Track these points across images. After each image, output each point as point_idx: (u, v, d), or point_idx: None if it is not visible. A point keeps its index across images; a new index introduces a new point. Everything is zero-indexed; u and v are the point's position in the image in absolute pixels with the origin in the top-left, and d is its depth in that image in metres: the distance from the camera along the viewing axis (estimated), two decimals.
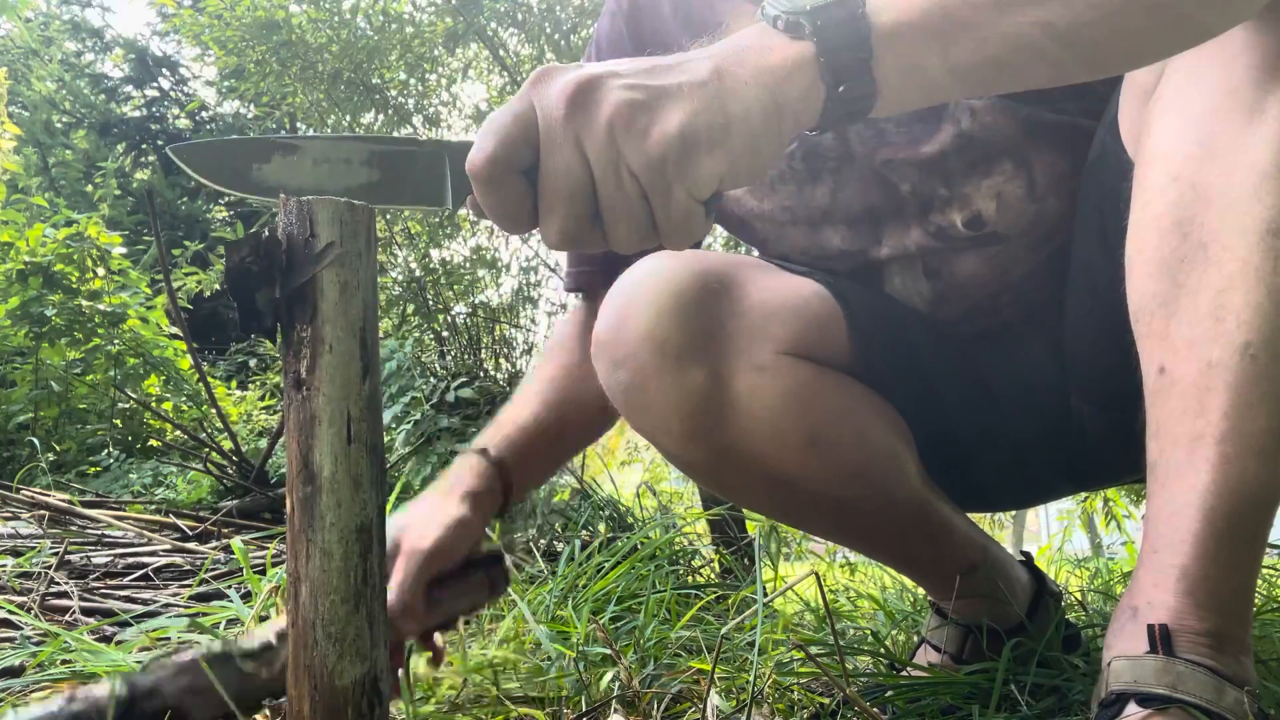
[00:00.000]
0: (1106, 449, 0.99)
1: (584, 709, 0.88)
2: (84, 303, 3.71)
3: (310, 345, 0.55)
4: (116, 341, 3.78)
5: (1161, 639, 0.67)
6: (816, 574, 0.86)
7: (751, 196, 1.08)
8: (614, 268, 1.10)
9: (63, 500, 2.28)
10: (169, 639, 1.08)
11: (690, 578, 1.88)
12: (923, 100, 0.62)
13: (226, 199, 8.65)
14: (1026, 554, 1.19)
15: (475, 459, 1.02)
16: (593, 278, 1.16)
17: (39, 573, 1.48)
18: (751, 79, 0.56)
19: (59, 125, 9.06)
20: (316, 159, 0.61)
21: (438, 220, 4.45)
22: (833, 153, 1.00)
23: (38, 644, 1.09)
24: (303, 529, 0.55)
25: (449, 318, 4.27)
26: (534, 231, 0.58)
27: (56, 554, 1.54)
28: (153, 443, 3.88)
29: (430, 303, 4.19)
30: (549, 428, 1.08)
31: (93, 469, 3.60)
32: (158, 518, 2.29)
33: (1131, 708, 0.66)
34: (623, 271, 1.02)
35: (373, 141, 0.61)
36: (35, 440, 3.25)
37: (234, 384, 5.46)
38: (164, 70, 10.21)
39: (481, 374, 3.94)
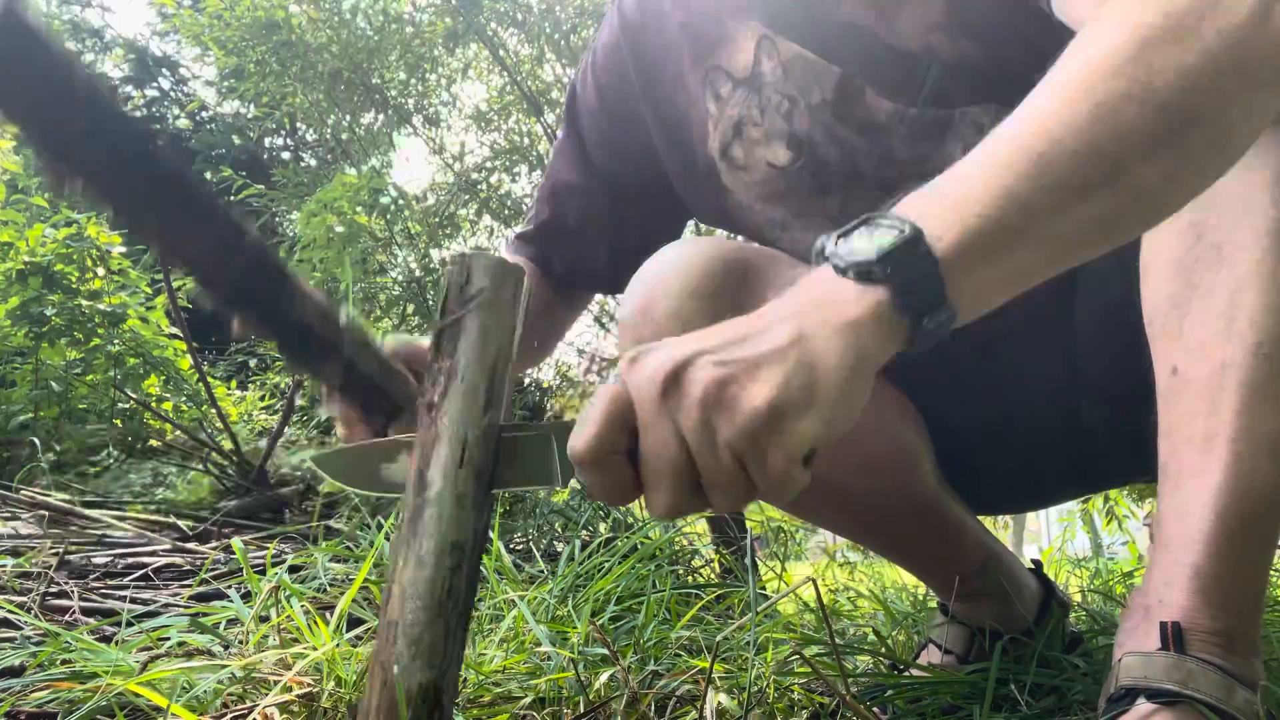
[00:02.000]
0: (1117, 450, 0.99)
1: (584, 709, 0.88)
2: (84, 303, 3.70)
3: (445, 376, 0.63)
4: (116, 341, 3.78)
5: (1174, 637, 0.67)
6: (814, 579, 0.86)
7: (764, 206, 1.08)
8: (549, 260, 1.25)
9: (63, 500, 2.27)
10: (169, 639, 1.08)
11: (690, 578, 1.88)
12: (1006, 296, 0.61)
13: (226, 199, 8.64)
14: (1036, 562, 1.19)
15: None
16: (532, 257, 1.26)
17: (39, 573, 1.47)
18: (833, 335, 0.56)
19: None
20: None
21: (437, 220, 4.45)
22: (840, 170, 1.00)
23: (38, 644, 1.09)
24: (406, 536, 0.61)
25: None
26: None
27: (56, 554, 1.54)
28: (153, 443, 3.88)
29: (430, 303, 4.19)
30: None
31: (93, 469, 3.60)
32: (158, 518, 2.29)
33: (1141, 703, 0.66)
34: (558, 259, 1.16)
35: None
36: (35, 440, 3.24)
37: (234, 384, 5.45)
38: (164, 70, 10.21)
39: None
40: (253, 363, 6.02)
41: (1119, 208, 0.57)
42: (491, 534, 1.30)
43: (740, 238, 1.18)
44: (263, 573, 1.38)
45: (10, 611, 1.21)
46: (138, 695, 0.86)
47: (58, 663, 1.00)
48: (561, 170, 1.23)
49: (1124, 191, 0.57)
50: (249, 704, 0.87)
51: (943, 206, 0.57)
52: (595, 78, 1.18)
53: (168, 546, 1.89)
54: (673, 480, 0.56)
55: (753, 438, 0.55)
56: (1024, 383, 1.04)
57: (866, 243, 0.57)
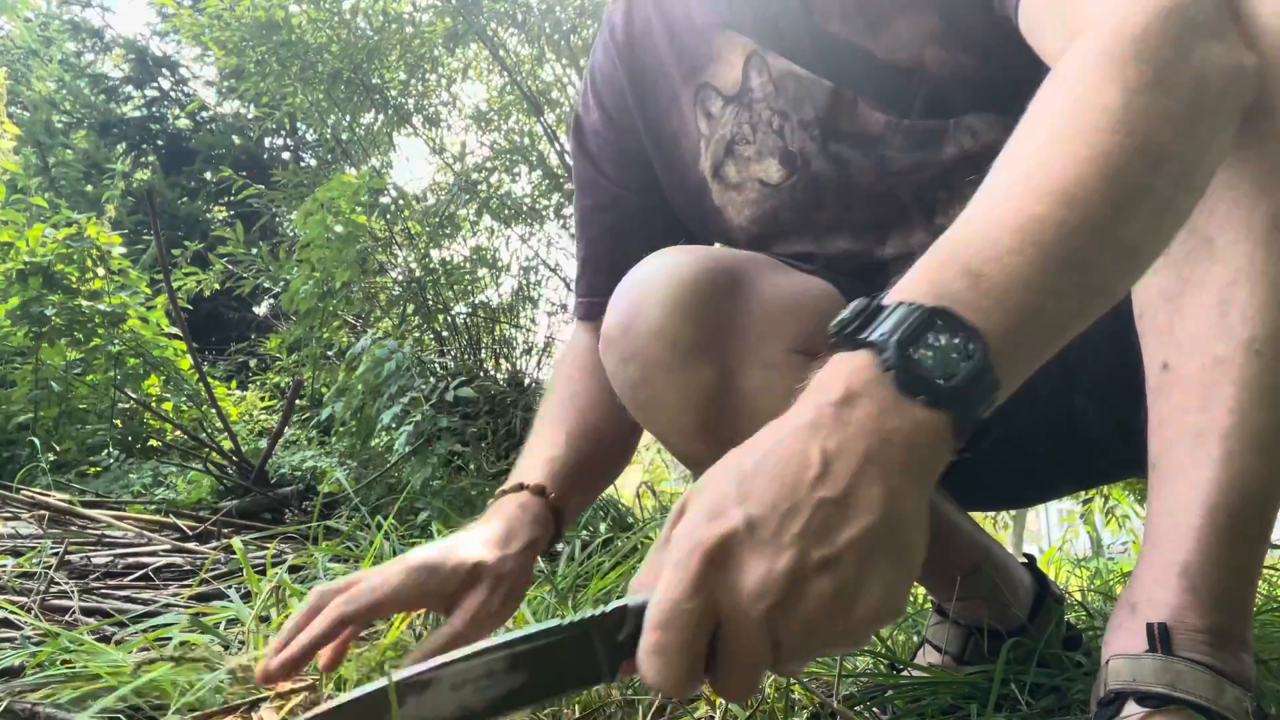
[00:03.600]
0: (1109, 446, 0.99)
1: (584, 709, 0.88)
2: (84, 303, 3.70)
3: None
4: (116, 341, 3.78)
5: (1160, 638, 0.66)
6: None
7: (752, 225, 1.07)
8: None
9: (63, 500, 2.28)
10: (169, 639, 1.08)
11: None
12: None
13: (226, 199, 8.66)
14: (1029, 557, 1.19)
15: (526, 496, 0.98)
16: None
17: (39, 573, 1.47)
18: (914, 488, 0.51)
19: (59, 125, 9.06)
20: (455, 684, 0.55)
21: (438, 220, 4.45)
22: (833, 184, 1.00)
23: (38, 644, 1.09)
24: None
25: (449, 318, 4.26)
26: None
27: (56, 554, 1.54)
28: (153, 443, 3.88)
29: (430, 303, 4.19)
30: (586, 456, 1.05)
31: (93, 469, 3.60)
32: (158, 518, 2.29)
33: (1130, 706, 0.66)
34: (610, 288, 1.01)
35: (512, 645, 0.55)
36: (35, 440, 3.25)
37: (234, 384, 5.46)
38: (164, 70, 10.21)
39: (481, 374, 3.94)
40: (253, 363, 6.02)
41: (1118, 272, 0.58)
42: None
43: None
44: (263, 573, 1.38)
45: (10, 611, 1.21)
46: (139, 695, 0.86)
47: (58, 663, 1.00)
48: (584, 199, 1.21)
49: (1120, 251, 0.56)
50: (249, 704, 0.87)
51: (993, 302, 0.52)
52: (598, 97, 1.17)
53: (168, 546, 1.89)
54: (756, 677, 0.51)
55: (858, 632, 0.51)
56: None
57: (940, 360, 0.51)
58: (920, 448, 0.51)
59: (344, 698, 0.56)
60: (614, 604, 0.54)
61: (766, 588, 0.48)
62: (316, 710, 0.56)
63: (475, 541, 0.90)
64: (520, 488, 0.99)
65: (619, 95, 1.15)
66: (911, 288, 0.54)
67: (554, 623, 0.54)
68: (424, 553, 0.86)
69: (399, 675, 0.55)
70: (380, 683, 0.55)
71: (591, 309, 1.17)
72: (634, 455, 1.18)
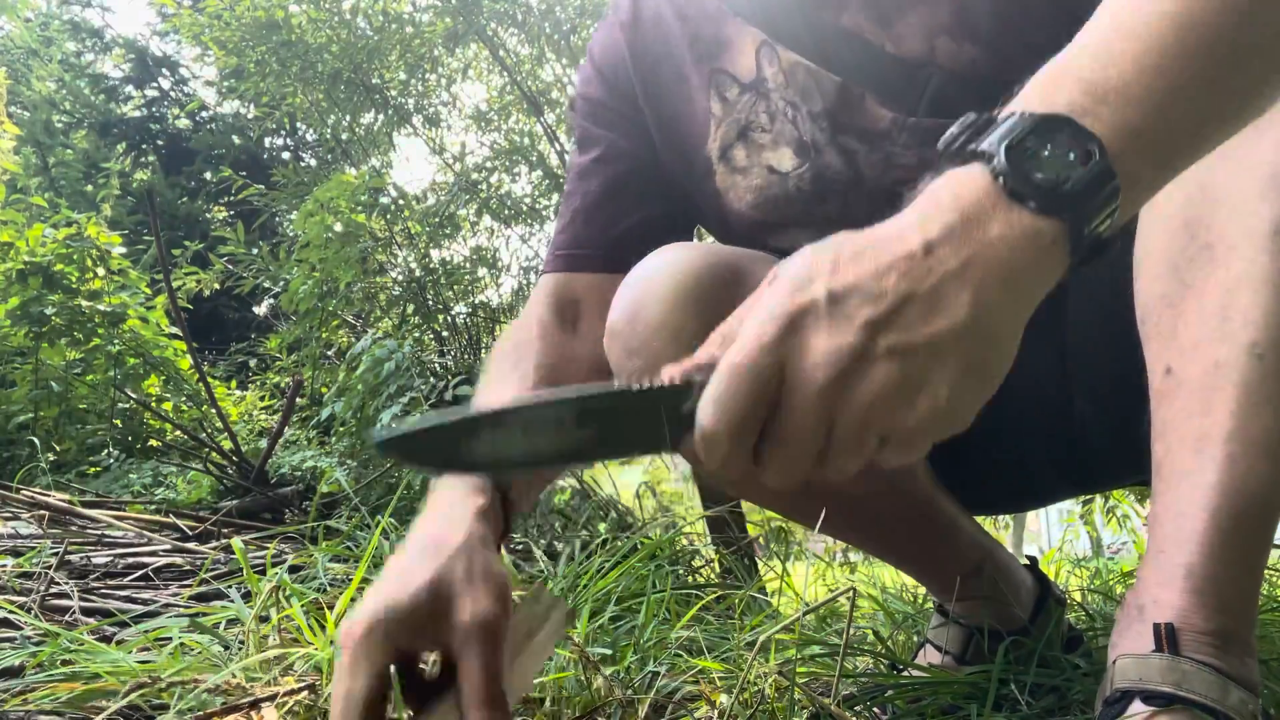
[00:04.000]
0: (1109, 451, 0.99)
1: (584, 709, 0.88)
2: (84, 303, 3.70)
3: None
4: (116, 341, 3.78)
5: (1168, 638, 0.66)
6: (854, 588, 0.85)
7: (754, 211, 1.07)
8: (616, 256, 1.05)
9: (63, 500, 2.28)
10: (169, 639, 1.08)
11: (690, 578, 1.88)
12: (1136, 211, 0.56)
13: (226, 199, 8.66)
14: (1032, 558, 1.19)
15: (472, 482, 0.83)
16: (588, 262, 1.09)
17: (39, 573, 1.47)
18: (1011, 294, 0.49)
19: (59, 125, 9.06)
20: (526, 427, 0.58)
21: (438, 220, 4.45)
22: (842, 177, 1.00)
23: (38, 644, 1.09)
24: None
25: (449, 318, 4.26)
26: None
27: (56, 554, 1.53)
28: (153, 443, 3.88)
29: (430, 303, 4.19)
30: None
31: (93, 469, 3.60)
32: (158, 518, 2.29)
33: (1136, 705, 0.66)
34: (623, 257, 0.98)
35: (583, 400, 0.57)
36: (35, 440, 3.25)
37: (234, 384, 5.46)
38: (164, 70, 10.21)
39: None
40: (253, 363, 6.02)
41: (1247, 76, 0.54)
42: None
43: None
44: (263, 573, 1.38)
45: (10, 611, 1.21)
46: (140, 693, 0.86)
47: (58, 663, 1.00)
48: (583, 155, 1.15)
49: (1248, 51, 0.53)
50: (249, 704, 0.87)
51: (1111, 108, 0.50)
52: (597, 70, 1.16)
53: (168, 546, 1.89)
54: (806, 463, 0.51)
55: (917, 436, 0.50)
56: (1016, 382, 1.04)
57: (1051, 167, 0.49)
58: (1027, 259, 0.49)
59: (429, 420, 0.58)
60: (682, 375, 0.55)
61: (831, 359, 0.49)
62: (407, 425, 0.58)
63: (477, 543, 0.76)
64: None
65: (620, 69, 1.14)
66: (1023, 100, 0.53)
67: (624, 386, 0.56)
68: (476, 555, 0.72)
69: (479, 410, 0.57)
70: (462, 411, 0.58)
71: (573, 261, 1.10)
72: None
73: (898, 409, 0.49)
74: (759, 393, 0.50)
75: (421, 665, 0.69)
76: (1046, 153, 0.49)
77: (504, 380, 1.00)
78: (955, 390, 0.49)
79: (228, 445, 3.10)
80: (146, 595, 1.51)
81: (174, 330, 3.91)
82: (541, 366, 0.99)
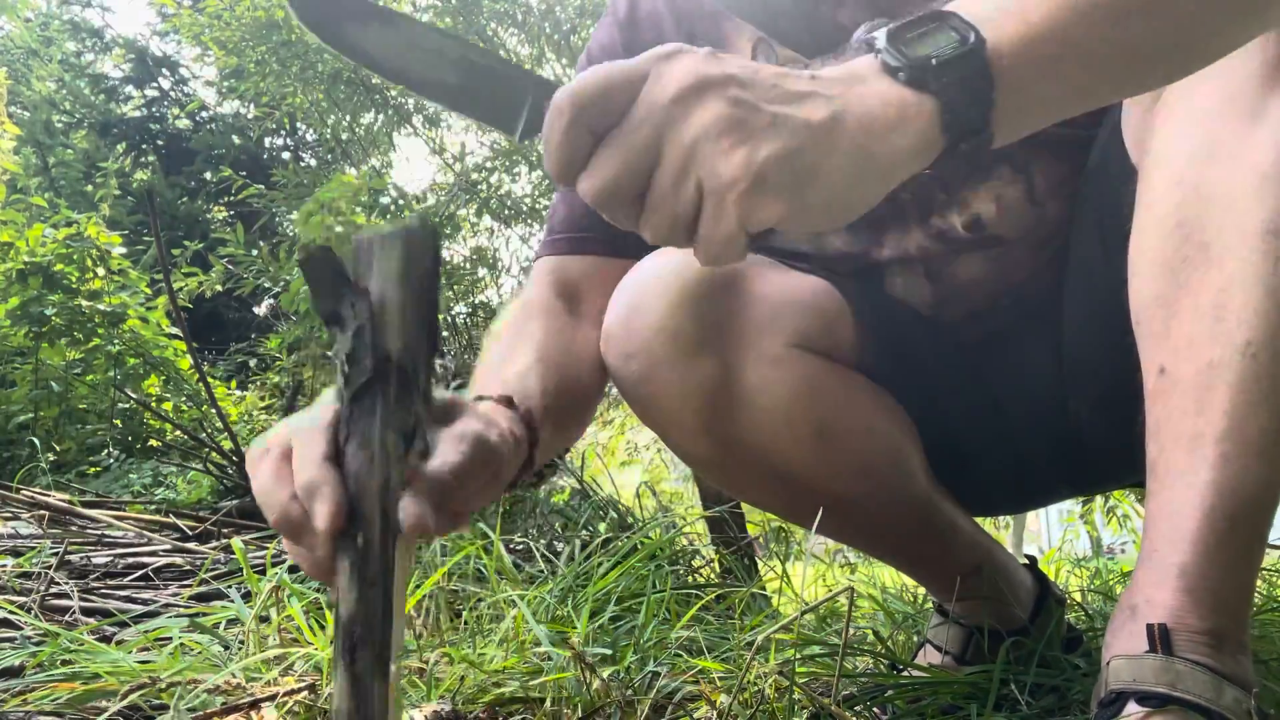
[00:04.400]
0: (1104, 452, 1.00)
1: (584, 709, 0.88)
2: (84, 303, 3.71)
3: None
4: (116, 341, 3.78)
5: (1161, 638, 0.67)
6: (852, 588, 0.85)
7: None
8: (617, 238, 0.99)
9: (63, 500, 2.28)
10: (169, 639, 1.08)
11: (690, 578, 1.88)
12: (1030, 130, 0.60)
13: (226, 199, 8.66)
14: (1031, 558, 1.19)
15: (495, 406, 0.72)
16: (589, 244, 1.04)
17: (39, 573, 1.47)
18: (860, 133, 0.54)
19: (59, 125, 9.05)
20: (410, 42, 0.62)
21: (437, 220, 4.45)
22: None
23: (38, 644, 1.09)
24: None
25: (449, 318, 4.27)
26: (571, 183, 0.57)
27: (56, 554, 1.54)
28: (153, 443, 3.88)
29: None
30: (554, 387, 0.86)
31: (93, 469, 3.60)
32: (158, 518, 2.29)
33: (1131, 706, 0.66)
34: (624, 240, 0.92)
35: (468, 48, 0.61)
36: (35, 440, 3.25)
37: (234, 384, 5.46)
38: (164, 70, 10.20)
39: None
40: (253, 363, 6.02)
41: (1158, 37, 0.58)
42: (492, 534, 1.31)
43: None
44: (263, 573, 1.38)
45: (10, 611, 1.21)
46: (140, 693, 0.86)
47: (58, 663, 1.00)
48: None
49: (1163, 19, 0.57)
50: (249, 704, 0.87)
51: (1007, 16, 0.55)
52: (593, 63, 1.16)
53: (168, 546, 1.89)
54: (626, 177, 0.54)
55: (725, 190, 0.53)
56: (1012, 383, 1.05)
57: (926, 46, 0.55)
58: (891, 118, 0.54)
59: None
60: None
61: (685, 78, 0.53)
62: None
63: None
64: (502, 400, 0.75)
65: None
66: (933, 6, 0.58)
67: (508, 61, 0.62)
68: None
69: (380, 7, 0.62)
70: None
71: (574, 244, 1.05)
72: (596, 405, 1.03)
73: (716, 152, 0.52)
74: (617, 79, 0.54)
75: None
76: (927, 37, 0.55)
77: (509, 357, 0.89)
78: (772, 163, 0.52)
79: (228, 445, 3.10)
80: (146, 595, 1.51)
81: (174, 330, 3.91)
82: (547, 345, 0.93)
